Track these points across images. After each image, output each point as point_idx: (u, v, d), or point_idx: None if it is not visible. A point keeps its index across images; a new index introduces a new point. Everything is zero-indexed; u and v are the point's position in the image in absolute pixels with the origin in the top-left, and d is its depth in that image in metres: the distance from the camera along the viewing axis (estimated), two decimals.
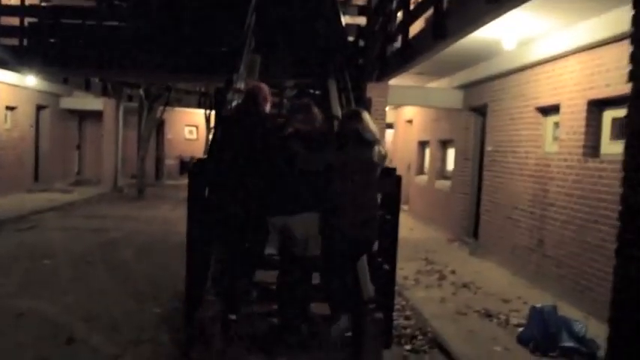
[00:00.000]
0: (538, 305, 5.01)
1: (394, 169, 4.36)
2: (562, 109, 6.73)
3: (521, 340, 4.87)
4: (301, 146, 4.20)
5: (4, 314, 5.33)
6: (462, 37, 5.87)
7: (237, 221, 4.33)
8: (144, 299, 5.91)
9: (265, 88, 4.64)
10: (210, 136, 5.41)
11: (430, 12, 6.83)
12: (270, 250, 4.48)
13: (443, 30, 5.79)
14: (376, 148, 4.16)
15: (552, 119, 7.28)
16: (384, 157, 4.20)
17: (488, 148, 9.02)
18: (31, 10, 11.22)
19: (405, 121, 14.90)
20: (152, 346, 4.68)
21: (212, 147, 4.95)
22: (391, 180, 4.27)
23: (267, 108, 4.62)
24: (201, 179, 4.50)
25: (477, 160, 9.89)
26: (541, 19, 6.08)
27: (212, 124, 14.51)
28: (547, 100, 7.15)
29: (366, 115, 4.26)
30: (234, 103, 5.67)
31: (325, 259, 4.30)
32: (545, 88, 7.16)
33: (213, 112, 12.43)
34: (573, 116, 6.46)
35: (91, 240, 9.17)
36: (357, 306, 4.49)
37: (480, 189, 9.57)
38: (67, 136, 18.41)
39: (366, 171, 4.11)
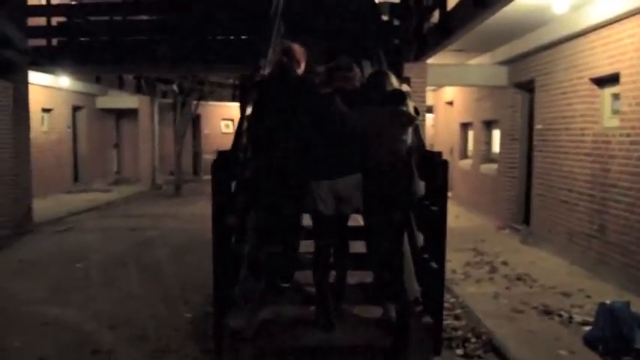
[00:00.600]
0: (607, 302, 4.43)
1: (439, 154, 3.85)
2: (622, 79, 6.05)
3: (589, 341, 4.31)
4: (345, 105, 4.07)
5: (31, 322, 5.11)
6: (506, 4, 5.27)
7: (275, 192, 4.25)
8: (175, 303, 5.60)
9: (298, 48, 4.51)
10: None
11: None
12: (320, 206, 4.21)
13: None
14: (409, 102, 4.16)
15: (610, 91, 6.59)
16: (416, 110, 4.18)
17: (538, 126, 8.35)
18: (58, 9, 11.08)
19: (445, 103, 14.25)
20: (180, 356, 4.34)
21: (240, 127, 4.69)
22: (437, 167, 3.77)
23: (302, 69, 4.46)
24: (226, 172, 4.14)
25: (526, 141, 9.22)
26: None
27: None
28: (604, 70, 6.46)
29: (392, 76, 4.24)
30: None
31: (367, 220, 4.29)
32: (602, 56, 6.47)
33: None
34: (636, 85, 5.78)
35: (126, 240, 8.98)
36: (402, 306, 4.06)
37: (529, 172, 8.92)
38: (105, 135, 18.47)
39: (400, 125, 4.09)
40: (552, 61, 7.75)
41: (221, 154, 4.01)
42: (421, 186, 4.16)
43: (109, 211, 12.64)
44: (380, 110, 4.06)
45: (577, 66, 7.06)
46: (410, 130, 4.16)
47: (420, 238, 4.13)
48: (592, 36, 6.61)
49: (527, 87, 8.97)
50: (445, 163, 3.72)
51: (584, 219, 6.84)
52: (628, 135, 5.92)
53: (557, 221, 7.57)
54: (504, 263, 6.99)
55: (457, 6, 6.51)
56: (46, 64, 10.48)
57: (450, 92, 13.52)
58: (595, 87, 6.80)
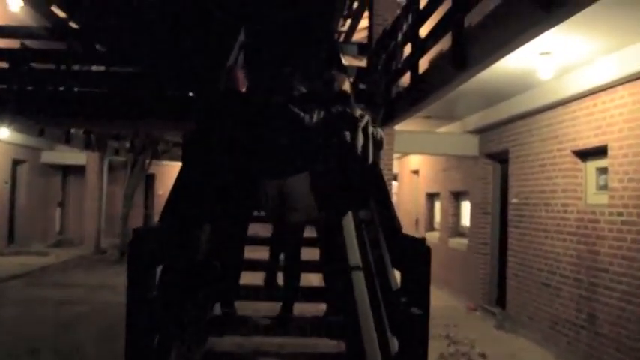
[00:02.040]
0: None
1: (422, 240, 3.06)
2: (611, 152, 5.51)
3: None
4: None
5: None
6: (489, 65, 4.71)
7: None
8: None
9: (239, 70, 4.77)
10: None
11: (438, 48, 5.78)
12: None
13: (464, 57, 4.63)
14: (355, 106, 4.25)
15: (595, 164, 6.07)
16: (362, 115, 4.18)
17: (513, 200, 7.76)
18: None
19: (410, 172, 13.72)
20: None
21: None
22: (418, 257, 2.96)
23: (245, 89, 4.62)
24: (147, 259, 3.24)
25: (499, 215, 8.61)
26: (583, 42, 4.95)
27: None
28: (588, 142, 5.95)
29: (346, 79, 4.38)
30: None
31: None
32: (585, 127, 5.97)
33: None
34: (628, 160, 5.23)
35: (49, 318, 7.76)
36: None
37: (503, 248, 8.25)
38: (49, 192, 17.16)
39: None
40: (529, 132, 7.26)
41: (137, 234, 3.08)
42: (395, 277, 3.36)
43: (41, 278, 11.30)
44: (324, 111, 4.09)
45: (557, 137, 6.55)
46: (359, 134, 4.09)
47: (395, 344, 3.27)
48: (574, 105, 6.14)
49: (500, 158, 8.45)
50: (428, 251, 2.93)
51: (570, 306, 6.12)
52: (620, 214, 5.32)
53: (538, 306, 6.84)
54: (482, 355, 6.17)
55: (431, 68, 5.96)
56: None
57: (415, 161, 13.02)
58: (577, 160, 6.28)
